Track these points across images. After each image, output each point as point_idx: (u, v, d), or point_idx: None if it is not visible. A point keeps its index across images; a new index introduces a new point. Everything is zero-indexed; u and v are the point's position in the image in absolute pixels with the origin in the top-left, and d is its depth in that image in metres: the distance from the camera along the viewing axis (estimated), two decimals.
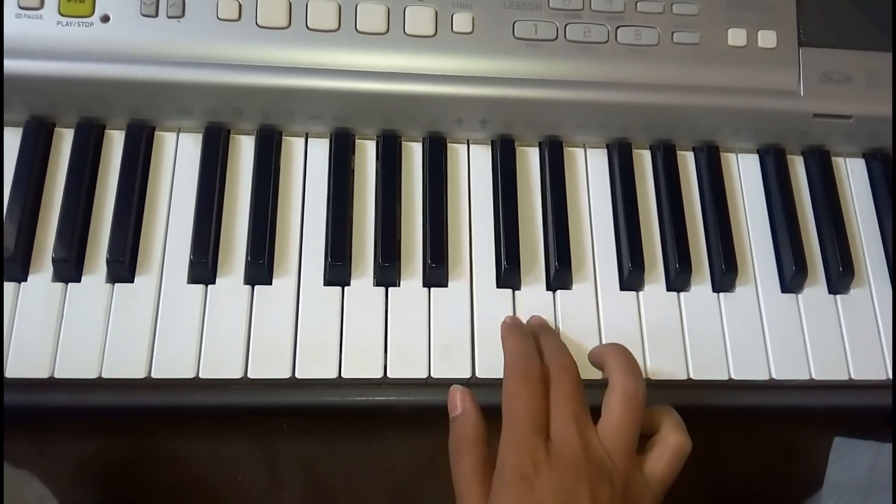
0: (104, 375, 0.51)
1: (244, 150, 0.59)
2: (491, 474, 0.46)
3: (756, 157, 0.64)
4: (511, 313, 0.56)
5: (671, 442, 0.48)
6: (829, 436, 0.56)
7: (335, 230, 0.56)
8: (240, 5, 0.56)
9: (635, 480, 0.46)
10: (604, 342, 0.56)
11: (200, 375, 0.52)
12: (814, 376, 0.57)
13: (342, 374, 0.53)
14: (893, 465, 0.52)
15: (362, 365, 0.54)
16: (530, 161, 0.62)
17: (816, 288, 0.60)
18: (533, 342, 0.51)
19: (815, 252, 0.61)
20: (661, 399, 0.56)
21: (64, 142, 0.58)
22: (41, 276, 0.54)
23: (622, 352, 0.51)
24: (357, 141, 0.60)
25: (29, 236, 0.55)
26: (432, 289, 0.56)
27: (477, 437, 0.48)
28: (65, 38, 0.55)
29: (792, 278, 0.59)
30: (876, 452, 0.54)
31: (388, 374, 0.54)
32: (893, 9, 0.62)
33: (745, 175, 0.63)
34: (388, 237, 0.56)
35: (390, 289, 0.56)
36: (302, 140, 0.60)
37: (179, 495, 0.55)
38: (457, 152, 0.61)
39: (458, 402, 0.50)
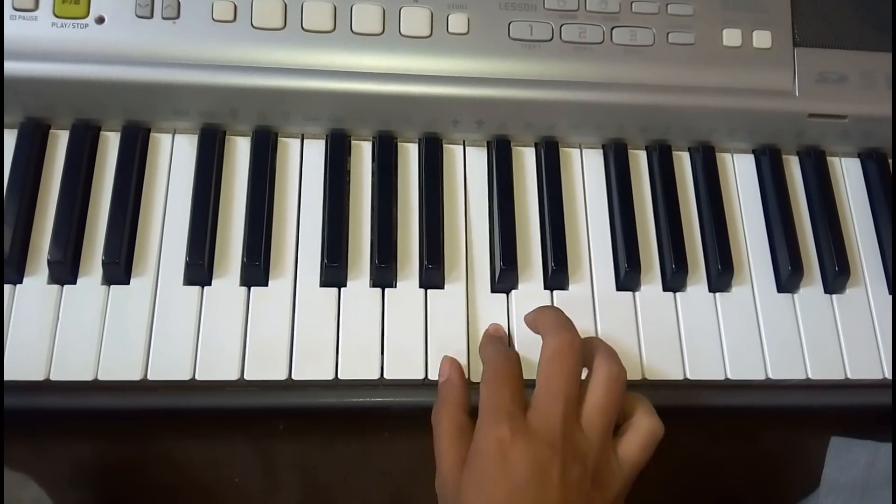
0: (100, 377, 0.51)
1: (240, 152, 0.59)
2: (469, 437, 0.47)
3: (752, 157, 0.64)
4: (507, 314, 0.56)
5: (645, 426, 0.49)
6: (825, 435, 0.56)
7: (331, 231, 0.56)
8: (235, 6, 0.56)
9: (608, 462, 0.47)
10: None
11: (197, 377, 0.52)
12: (810, 376, 0.57)
13: (339, 376, 0.53)
14: (894, 465, 0.53)
15: (359, 366, 0.53)
16: (526, 162, 0.62)
17: (812, 288, 0.60)
18: (506, 343, 0.54)
19: (811, 252, 0.61)
20: (658, 399, 0.56)
21: (59, 143, 0.57)
22: (37, 278, 0.54)
23: (601, 341, 0.52)
24: (353, 142, 0.60)
25: (24, 238, 0.54)
26: (429, 290, 0.56)
27: (458, 402, 0.50)
28: (60, 39, 0.55)
29: (788, 278, 0.59)
30: (873, 452, 0.54)
31: (385, 376, 0.53)
32: (893, 10, 0.62)
33: (740, 175, 0.63)
34: (384, 238, 0.56)
35: (387, 290, 0.56)
36: (298, 141, 0.60)
37: (176, 497, 0.55)
38: (453, 153, 0.61)
39: (446, 370, 0.52)
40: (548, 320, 0.51)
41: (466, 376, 0.54)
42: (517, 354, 0.50)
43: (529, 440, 0.45)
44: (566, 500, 0.44)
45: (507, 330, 0.56)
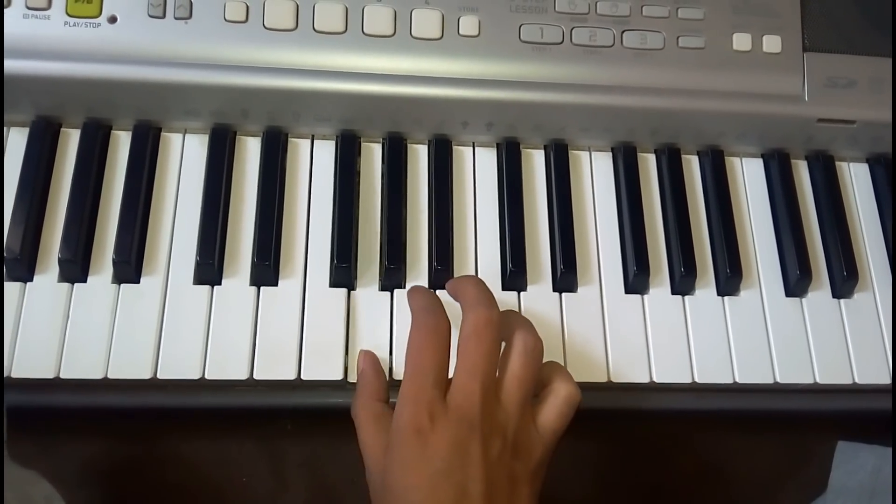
0: (110, 376, 0.51)
1: (250, 152, 0.59)
2: (389, 423, 0.47)
3: (760, 161, 0.64)
4: None
5: (563, 393, 0.49)
6: (832, 440, 0.56)
7: (341, 232, 0.56)
8: (247, 7, 0.56)
9: (528, 432, 0.47)
10: (609, 345, 0.56)
11: (206, 376, 0.52)
12: (818, 380, 0.57)
13: (348, 377, 0.53)
14: (894, 469, 0.53)
15: None
16: (535, 164, 0.62)
17: (820, 292, 0.60)
18: (438, 298, 0.52)
19: (820, 256, 0.61)
20: (665, 402, 0.57)
21: (70, 142, 0.58)
22: (47, 276, 0.54)
23: (518, 314, 0.52)
24: (363, 143, 0.61)
25: (35, 236, 0.54)
26: (438, 291, 0.56)
27: (373, 393, 0.50)
28: (72, 38, 0.55)
29: (796, 282, 0.59)
30: (880, 456, 0.54)
31: (394, 377, 0.54)
32: (893, 15, 0.62)
33: (749, 179, 0.63)
34: (393, 240, 0.57)
35: (396, 291, 0.56)
36: (308, 142, 0.60)
37: (184, 496, 0.55)
38: (462, 155, 0.61)
39: (361, 363, 0.52)
40: (467, 295, 0.50)
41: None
42: (447, 327, 0.49)
43: (448, 422, 0.45)
44: (488, 475, 0.44)
45: None
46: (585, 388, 0.55)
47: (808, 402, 0.58)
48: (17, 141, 0.57)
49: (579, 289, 0.58)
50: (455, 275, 0.57)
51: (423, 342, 0.48)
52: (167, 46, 0.56)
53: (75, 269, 0.54)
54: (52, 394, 0.52)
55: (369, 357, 0.53)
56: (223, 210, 0.56)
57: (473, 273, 0.57)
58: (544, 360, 0.49)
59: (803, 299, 0.59)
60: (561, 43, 0.59)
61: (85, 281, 0.54)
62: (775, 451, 0.59)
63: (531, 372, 0.48)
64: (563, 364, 0.55)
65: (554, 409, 0.48)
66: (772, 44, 0.61)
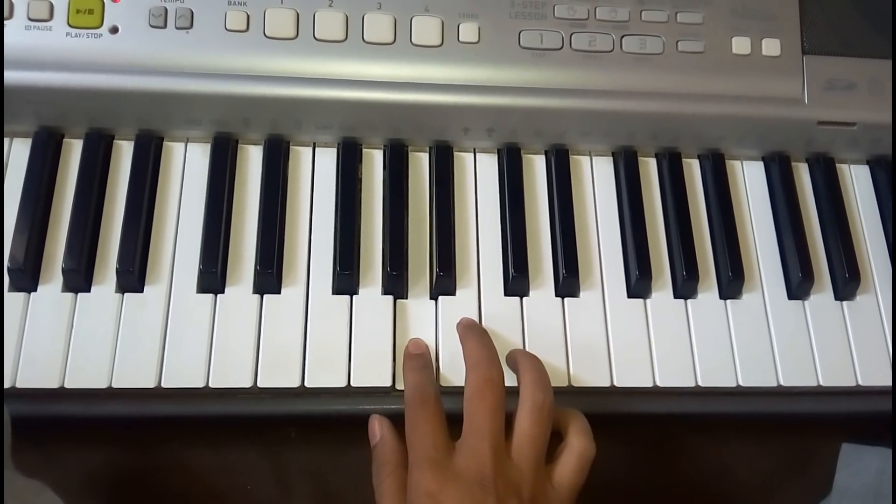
0: (114, 385, 0.51)
1: (252, 160, 0.59)
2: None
3: (761, 164, 0.64)
4: (519, 321, 0.56)
5: (576, 448, 0.49)
6: (836, 442, 0.56)
7: (343, 239, 0.57)
8: (248, 16, 0.57)
9: (544, 490, 0.47)
10: (612, 350, 0.56)
11: (210, 385, 0.52)
12: (821, 383, 0.57)
13: (351, 383, 0.53)
14: (893, 470, 0.53)
15: (371, 373, 0.54)
16: (536, 169, 0.62)
17: (823, 294, 0.60)
18: (432, 373, 0.53)
19: (821, 259, 0.61)
20: (669, 406, 0.57)
21: (73, 152, 0.58)
22: (51, 286, 0.54)
23: (532, 363, 0.51)
24: (364, 150, 0.61)
25: (38, 246, 0.55)
26: (440, 297, 0.56)
27: (396, 461, 0.49)
28: (74, 49, 0.55)
29: (798, 285, 0.59)
30: (884, 458, 0.54)
31: (397, 384, 0.54)
32: (893, 17, 0.62)
33: (750, 182, 0.64)
34: (395, 246, 0.57)
35: (398, 297, 0.56)
36: (309, 150, 0.60)
37: None
38: (463, 161, 0.61)
39: (377, 430, 0.51)
40: (469, 354, 0.51)
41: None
42: (434, 392, 0.49)
43: (459, 484, 0.45)
44: None
45: (521, 335, 0.56)
46: (589, 392, 0.55)
47: (811, 405, 0.58)
48: (20, 151, 0.57)
49: (581, 294, 0.58)
50: (457, 280, 0.57)
51: (415, 417, 0.48)
52: (169, 56, 0.56)
53: (79, 278, 0.54)
54: (57, 403, 0.52)
55: (385, 423, 0.52)
56: (226, 218, 0.57)
57: (475, 281, 0.57)
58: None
59: (805, 302, 0.60)
60: (561, 48, 0.59)
61: (88, 290, 0.54)
62: (779, 453, 0.59)
63: (542, 429, 0.48)
64: (564, 367, 0.55)
65: (568, 465, 0.48)
66: (771, 47, 0.61)
